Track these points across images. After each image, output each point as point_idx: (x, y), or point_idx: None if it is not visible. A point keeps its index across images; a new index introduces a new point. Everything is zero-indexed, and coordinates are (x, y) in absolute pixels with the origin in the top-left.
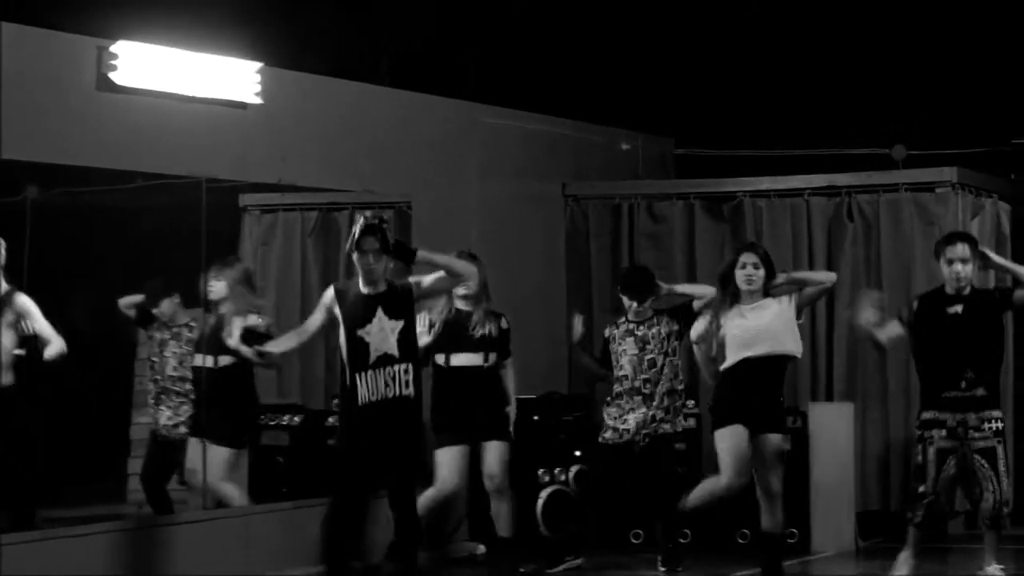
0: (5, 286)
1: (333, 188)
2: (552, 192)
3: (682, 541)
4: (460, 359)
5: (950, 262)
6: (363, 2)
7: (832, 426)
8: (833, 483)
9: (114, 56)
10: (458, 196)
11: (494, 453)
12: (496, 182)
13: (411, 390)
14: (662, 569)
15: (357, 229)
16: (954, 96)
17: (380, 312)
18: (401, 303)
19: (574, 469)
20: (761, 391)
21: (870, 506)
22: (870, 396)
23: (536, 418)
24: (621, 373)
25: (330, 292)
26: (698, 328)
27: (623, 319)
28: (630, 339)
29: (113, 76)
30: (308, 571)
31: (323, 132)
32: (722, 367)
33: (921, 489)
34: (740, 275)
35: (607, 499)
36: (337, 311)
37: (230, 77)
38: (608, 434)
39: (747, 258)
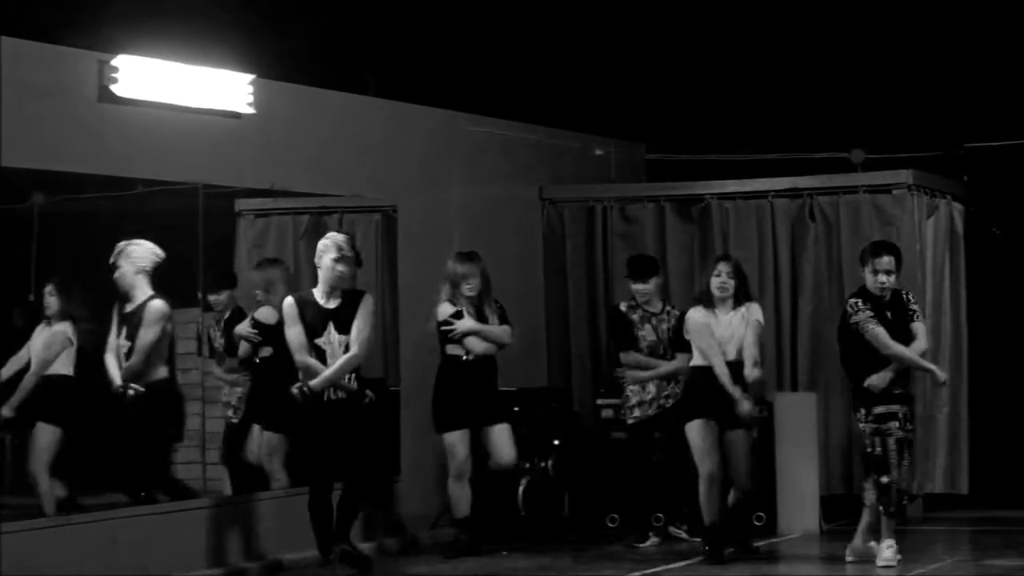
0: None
1: (323, 193)
2: (530, 196)
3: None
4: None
5: (875, 272)
6: (350, 16)
7: (797, 415)
8: (798, 469)
9: (115, 69)
10: (441, 200)
11: (504, 435)
12: (477, 187)
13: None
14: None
15: (344, 241)
16: (909, 102)
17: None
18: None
19: (553, 457)
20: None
21: (833, 490)
22: (832, 387)
23: (516, 409)
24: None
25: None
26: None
27: (634, 303)
28: (648, 325)
29: (114, 88)
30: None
31: (313, 140)
32: (692, 363)
33: (886, 480)
34: (715, 282)
35: (639, 482)
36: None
37: (224, 89)
38: (637, 412)
39: (722, 267)
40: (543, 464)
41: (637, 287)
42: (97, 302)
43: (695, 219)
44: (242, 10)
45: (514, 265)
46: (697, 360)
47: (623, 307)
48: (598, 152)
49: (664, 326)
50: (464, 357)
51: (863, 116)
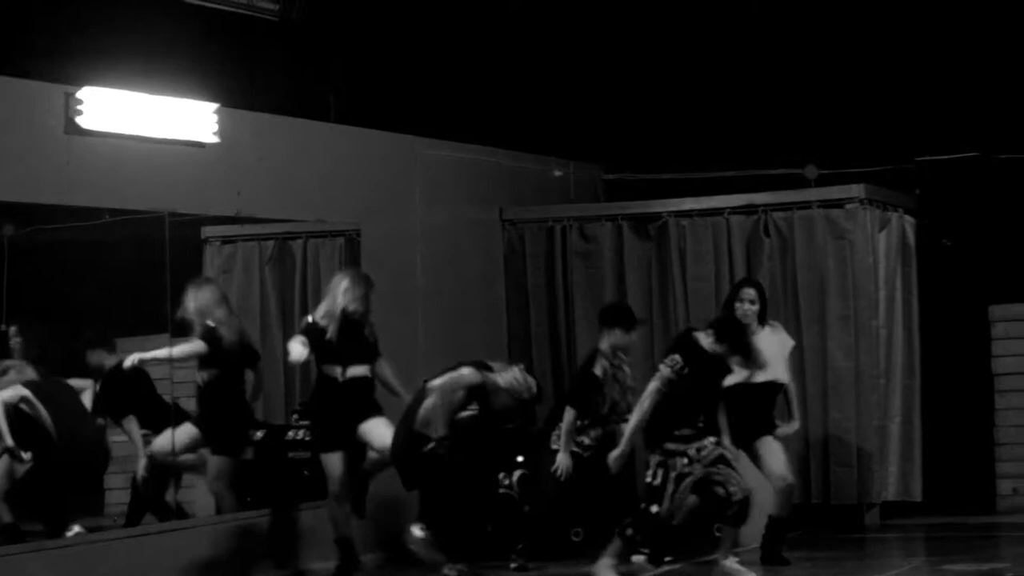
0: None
1: (288, 219)
2: (490, 217)
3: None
4: (355, 370)
5: (741, 301)
6: (311, 45)
7: None
8: (757, 480)
9: (80, 102)
10: (403, 223)
11: (380, 425)
12: (438, 209)
13: None
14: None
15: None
16: (861, 117)
17: None
18: None
19: (517, 474)
20: (760, 412)
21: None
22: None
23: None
24: None
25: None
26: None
27: (607, 361)
28: (616, 384)
29: (80, 120)
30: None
31: (277, 167)
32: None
33: (655, 509)
34: (738, 308)
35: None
36: None
37: (189, 118)
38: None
39: (746, 294)
40: (507, 481)
41: (629, 337)
42: (63, 334)
43: (652, 237)
44: (205, 41)
45: (476, 285)
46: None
47: (599, 372)
48: (557, 173)
49: (620, 375)
50: (340, 379)
51: (816, 131)
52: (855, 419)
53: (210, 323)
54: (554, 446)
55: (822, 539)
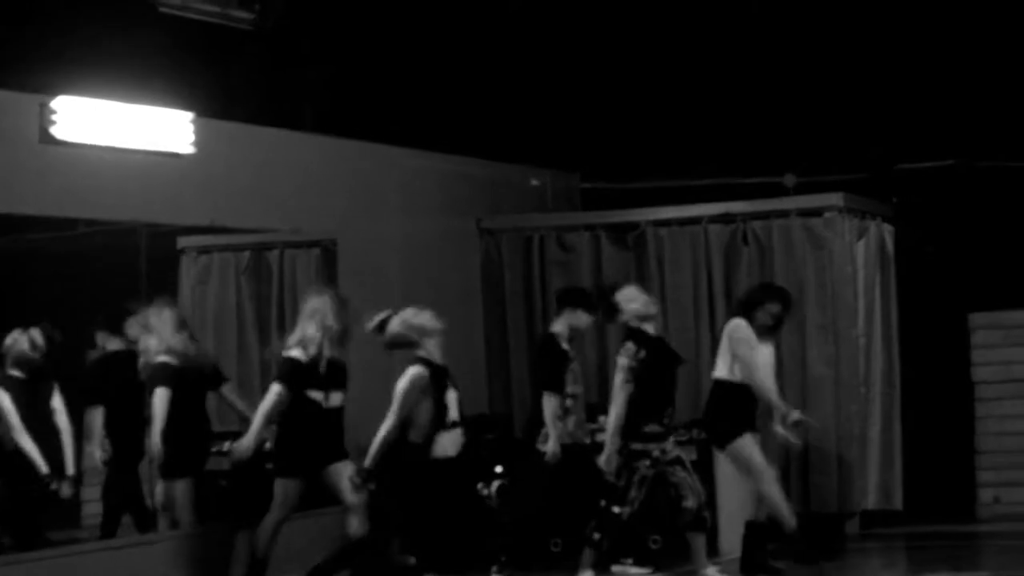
0: None
1: (264, 229)
2: (467, 227)
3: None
4: (337, 398)
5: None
6: (287, 54)
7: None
8: (738, 489)
9: (54, 111)
10: (380, 233)
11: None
12: (415, 219)
13: None
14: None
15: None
16: (839, 126)
17: None
18: None
19: (496, 484)
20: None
21: None
22: (768, 408)
23: None
24: None
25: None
26: None
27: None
28: (577, 365)
29: (54, 130)
30: None
31: (252, 176)
32: (723, 377)
33: (617, 511)
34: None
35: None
36: None
37: (164, 128)
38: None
39: (776, 308)
40: (486, 492)
41: (590, 319)
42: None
43: (631, 246)
44: (180, 50)
45: (453, 295)
46: (728, 375)
47: (563, 342)
48: (534, 182)
49: (573, 366)
50: (324, 404)
51: (794, 140)
52: (835, 428)
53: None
54: (541, 447)
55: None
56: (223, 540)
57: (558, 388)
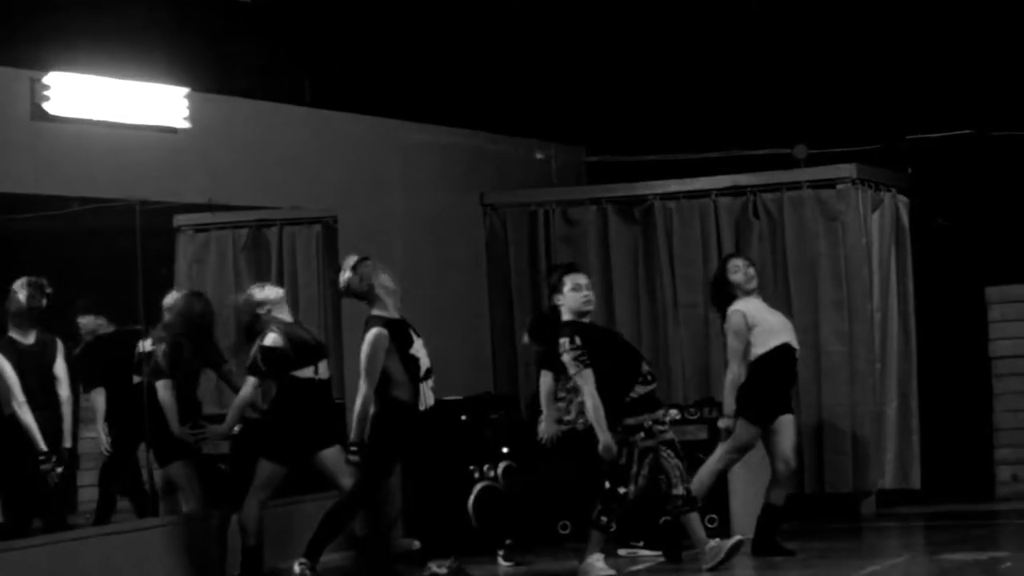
0: None
1: (262, 206)
2: (471, 202)
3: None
4: (325, 368)
5: (576, 288)
6: (284, 27)
7: None
8: (750, 470)
9: (46, 87)
10: (382, 209)
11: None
12: (417, 194)
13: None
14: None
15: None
16: (851, 95)
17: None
18: None
19: (502, 465)
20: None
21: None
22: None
23: (464, 418)
24: None
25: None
26: None
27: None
28: None
29: (46, 106)
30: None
31: (250, 152)
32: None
33: (622, 491)
34: (735, 275)
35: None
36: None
37: (159, 103)
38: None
39: (736, 263)
40: (492, 473)
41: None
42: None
43: (638, 220)
44: (175, 23)
45: (458, 272)
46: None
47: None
48: (538, 156)
49: None
50: (315, 377)
51: (805, 110)
52: (850, 405)
53: None
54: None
55: (816, 530)
56: (221, 526)
57: (554, 367)
